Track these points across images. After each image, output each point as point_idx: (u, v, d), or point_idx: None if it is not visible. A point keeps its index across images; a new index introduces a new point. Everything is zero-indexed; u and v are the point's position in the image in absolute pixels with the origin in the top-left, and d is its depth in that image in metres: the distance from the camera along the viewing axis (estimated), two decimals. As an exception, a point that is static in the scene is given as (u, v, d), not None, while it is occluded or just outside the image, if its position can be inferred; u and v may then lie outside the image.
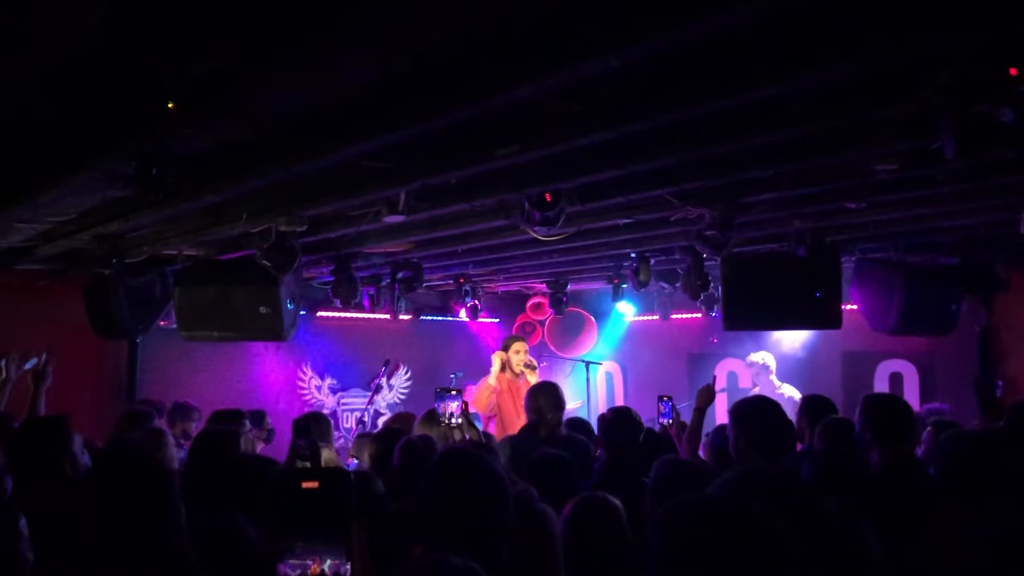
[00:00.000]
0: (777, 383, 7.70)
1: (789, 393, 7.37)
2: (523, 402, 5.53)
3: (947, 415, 5.76)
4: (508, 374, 7.02)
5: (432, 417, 4.77)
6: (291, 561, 1.88)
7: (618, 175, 4.00)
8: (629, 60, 2.47)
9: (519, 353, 7.07)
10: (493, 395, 6.90)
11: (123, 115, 3.04)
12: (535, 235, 4.67)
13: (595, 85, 2.83)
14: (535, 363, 7.14)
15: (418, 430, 4.82)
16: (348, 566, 1.88)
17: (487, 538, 2.00)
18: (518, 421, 6.21)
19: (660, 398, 4.97)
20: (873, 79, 2.84)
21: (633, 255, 6.50)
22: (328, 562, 1.88)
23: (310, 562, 1.88)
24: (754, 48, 2.59)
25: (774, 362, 7.89)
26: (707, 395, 4.74)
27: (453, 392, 3.50)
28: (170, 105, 2.83)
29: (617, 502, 2.81)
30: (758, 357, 7.92)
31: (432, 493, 2.16)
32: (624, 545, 2.61)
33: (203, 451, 3.91)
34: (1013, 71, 2.32)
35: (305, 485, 1.93)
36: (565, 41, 2.47)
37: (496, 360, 7.02)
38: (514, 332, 9.51)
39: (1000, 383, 6.83)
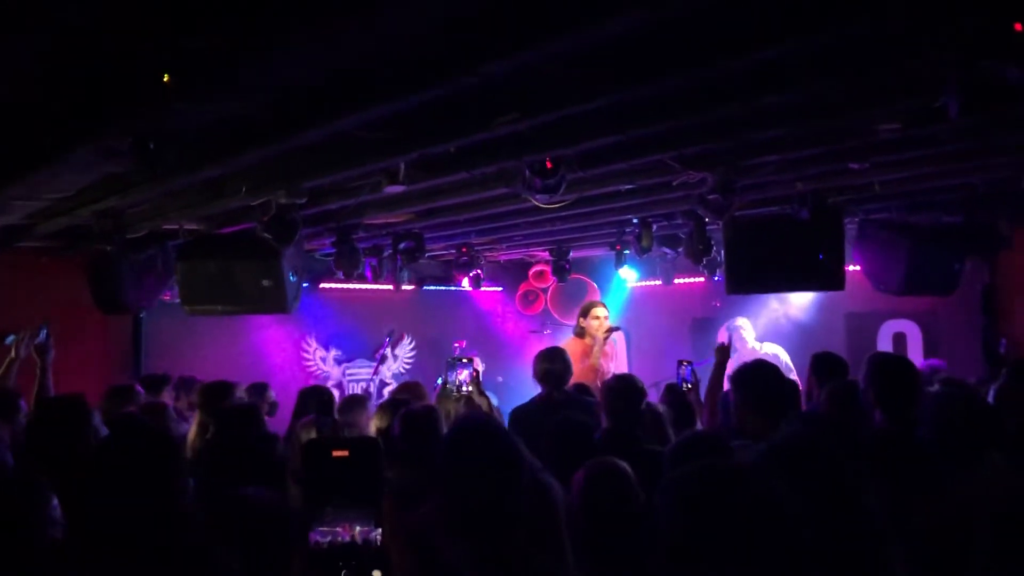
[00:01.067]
0: (753, 344, 7.67)
1: (773, 351, 7.37)
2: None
3: (943, 372, 5.78)
4: (589, 340, 6.57)
5: (445, 394, 4.79)
6: (321, 528, 1.90)
7: (619, 140, 3.97)
8: (629, 25, 2.44)
9: (599, 319, 6.66)
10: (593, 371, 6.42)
11: (120, 90, 3.01)
12: (536, 203, 4.65)
13: (596, 50, 2.80)
14: (617, 327, 6.75)
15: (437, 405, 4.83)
16: (378, 532, 1.90)
17: (502, 510, 2.01)
18: None
19: (680, 363, 4.99)
20: (875, 38, 2.81)
21: (635, 221, 6.47)
22: (358, 528, 1.90)
23: (340, 529, 1.90)
24: (756, 9, 2.55)
25: (750, 326, 7.88)
26: (723, 352, 4.78)
27: (464, 360, 3.51)
28: (166, 79, 2.81)
29: (627, 467, 2.82)
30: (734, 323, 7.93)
31: (448, 463, 2.16)
32: (636, 509, 2.62)
33: (231, 425, 3.97)
34: (1018, 26, 2.29)
35: (336, 454, 1.95)
36: (564, 5, 2.44)
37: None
38: (517, 300, 9.50)
39: (1004, 340, 6.84)
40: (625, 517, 2.57)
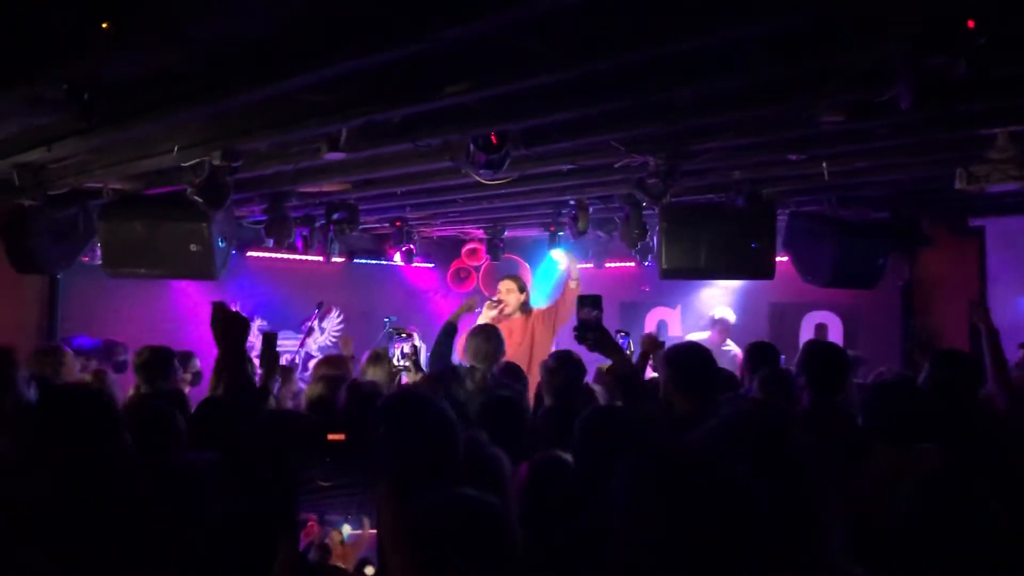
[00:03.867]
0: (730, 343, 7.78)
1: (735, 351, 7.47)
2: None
3: (864, 363, 5.95)
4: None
5: (379, 358, 4.72)
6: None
7: (565, 119, 3.96)
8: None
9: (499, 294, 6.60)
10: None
11: (54, 35, 2.86)
12: (479, 178, 4.61)
13: (550, 20, 2.77)
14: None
15: (365, 370, 4.77)
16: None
17: (435, 479, 1.97)
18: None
19: (617, 332, 5.01)
20: (825, 28, 2.84)
21: (572, 202, 6.48)
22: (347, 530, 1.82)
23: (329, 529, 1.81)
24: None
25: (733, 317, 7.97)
26: (651, 341, 4.81)
27: (405, 335, 3.45)
28: (104, 25, 2.68)
29: (569, 459, 2.79)
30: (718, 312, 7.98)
31: (381, 434, 2.12)
32: (576, 501, 2.60)
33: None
34: (971, 23, 2.34)
35: (331, 438, 1.87)
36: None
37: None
38: (448, 277, 9.45)
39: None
40: (568, 510, 2.54)
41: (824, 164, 4.57)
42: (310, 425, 3.13)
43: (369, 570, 1.83)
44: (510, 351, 5.50)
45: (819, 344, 3.98)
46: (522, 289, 6.64)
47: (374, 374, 4.66)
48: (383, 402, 2.23)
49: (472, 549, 1.66)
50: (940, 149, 4.34)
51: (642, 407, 2.92)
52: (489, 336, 5.02)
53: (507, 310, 6.47)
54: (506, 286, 6.61)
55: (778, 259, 6.08)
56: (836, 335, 7.96)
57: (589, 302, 3.14)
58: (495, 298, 6.52)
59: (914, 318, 7.19)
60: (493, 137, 4.15)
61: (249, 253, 8.23)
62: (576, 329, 3.13)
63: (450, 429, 2.20)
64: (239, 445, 2.56)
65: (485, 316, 6.33)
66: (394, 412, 2.18)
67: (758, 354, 4.52)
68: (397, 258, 8.48)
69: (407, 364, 4.47)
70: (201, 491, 2.16)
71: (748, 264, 5.89)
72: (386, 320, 7.73)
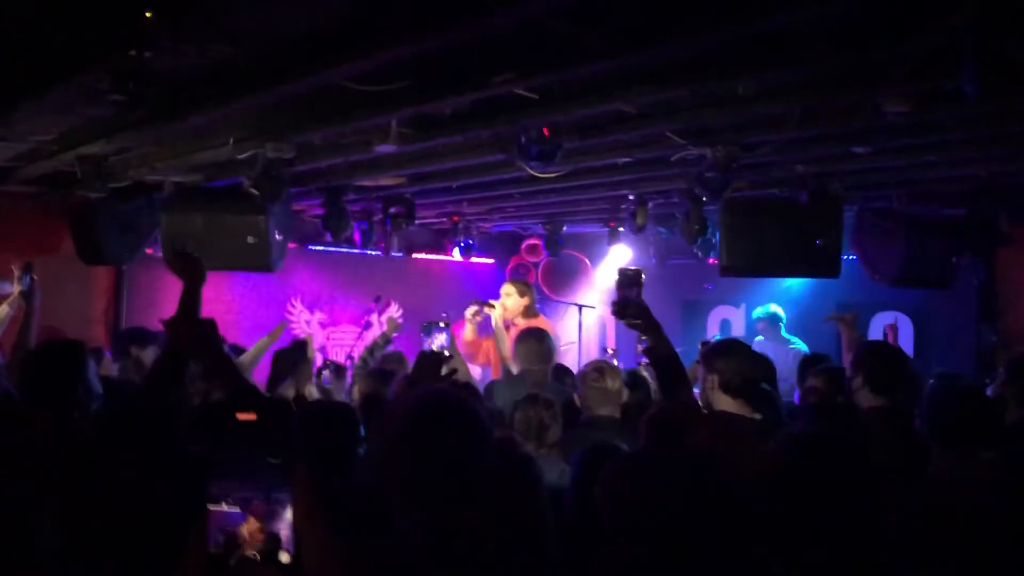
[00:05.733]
0: (787, 336, 7.56)
1: (798, 346, 7.25)
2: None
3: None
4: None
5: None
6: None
7: (620, 110, 3.86)
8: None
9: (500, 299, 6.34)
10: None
11: (100, 27, 2.88)
12: (531, 171, 4.54)
13: (603, 8, 2.69)
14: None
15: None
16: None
17: (460, 480, 1.90)
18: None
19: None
20: (889, 12, 2.70)
21: (631, 197, 6.37)
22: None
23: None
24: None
25: (783, 314, 7.74)
26: None
27: (441, 325, 3.36)
28: (148, 14, 2.68)
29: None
30: (761, 311, 7.76)
31: (405, 433, 2.04)
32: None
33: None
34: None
35: (241, 417, 1.78)
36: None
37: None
38: (508, 273, 9.39)
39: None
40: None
41: (876, 167, 4.38)
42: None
43: (284, 557, 1.74)
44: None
45: (876, 343, 3.82)
46: (523, 293, 6.36)
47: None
48: (408, 403, 2.15)
49: None
50: (1016, 142, 4.11)
51: (679, 395, 2.80)
52: (541, 337, 4.96)
53: (496, 313, 6.05)
54: (505, 290, 6.38)
55: (846, 257, 5.88)
56: (907, 337, 7.65)
57: (630, 277, 3.00)
58: (493, 301, 6.23)
59: (991, 321, 6.86)
60: (545, 129, 4.08)
61: (310, 247, 8.29)
62: (614, 304, 3.00)
63: (476, 432, 2.10)
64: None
65: (473, 322, 6.08)
66: (414, 413, 2.10)
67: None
68: (456, 253, 8.44)
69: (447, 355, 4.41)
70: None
71: (813, 262, 5.68)
72: (444, 315, 7.70)
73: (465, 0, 2.62)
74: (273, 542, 1.71)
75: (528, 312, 6.34)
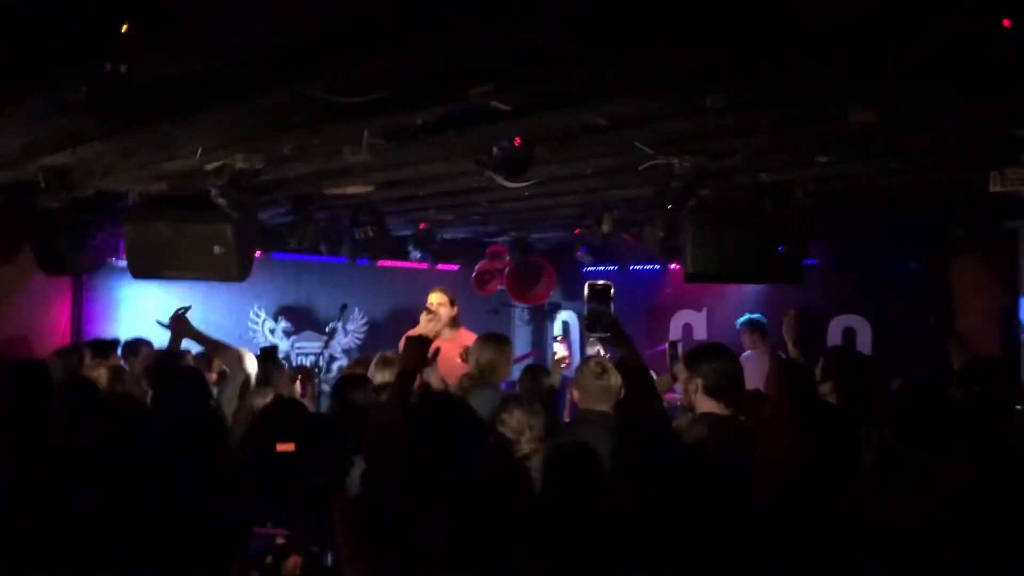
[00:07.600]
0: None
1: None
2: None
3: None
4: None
5: (387, 361, 4.70)
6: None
7: (591, 120, 3.91)
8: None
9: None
10: None
11: (76, 36, 2.85)
12: (502, 182, 4.56)
13: (581, 24, 2.73)
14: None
15: (374, 374, 4.74)
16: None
17: (463, 486, 1.94)
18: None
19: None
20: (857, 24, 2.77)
21: (597, 205, 6.43)
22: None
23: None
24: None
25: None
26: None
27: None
28: (124, 28, 2.66)
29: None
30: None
31: (410, 441, 2.07)
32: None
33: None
34: (1006, 23, 2.27)
35: (280, 448, 1.79)
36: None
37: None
38: (473, 280, 9.38)
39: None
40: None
41: (838, 173, 4.47)
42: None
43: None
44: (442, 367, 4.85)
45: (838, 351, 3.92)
46: (453, 303, 6.07)
47: (382, 377, 4.62)
48: (410, 411, 2.18)
49: None
50: (973, 151, 4.23)
51: (650, 404, 2.86)
52: (504, 341, 5.01)
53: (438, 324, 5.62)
54: (439, 299, 5.88)
55: (806, 262, 6.00)
56: (865, 340, 7.82)
57: (599, 292, 3.05)
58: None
59: (945, 321, 7.04)
60: (516, 140, 4.11)
61: (274, 255, 8.22)
62: (585, 318, 3.05)
63: (478, 438, 2.14)
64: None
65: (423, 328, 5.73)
66: (420, 421, 2.14)
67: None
68: (420, 260, 8.44)
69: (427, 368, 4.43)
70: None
71: (776, 268, 5.80)
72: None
73: (439, 14, 2.65)
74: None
75: (455, 323, 6.04)
